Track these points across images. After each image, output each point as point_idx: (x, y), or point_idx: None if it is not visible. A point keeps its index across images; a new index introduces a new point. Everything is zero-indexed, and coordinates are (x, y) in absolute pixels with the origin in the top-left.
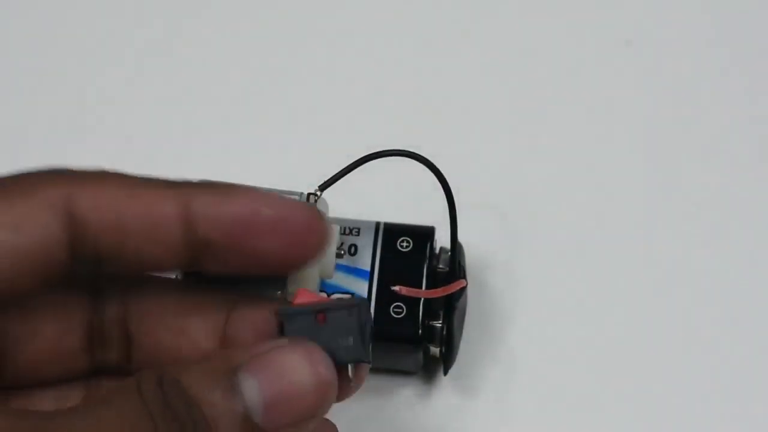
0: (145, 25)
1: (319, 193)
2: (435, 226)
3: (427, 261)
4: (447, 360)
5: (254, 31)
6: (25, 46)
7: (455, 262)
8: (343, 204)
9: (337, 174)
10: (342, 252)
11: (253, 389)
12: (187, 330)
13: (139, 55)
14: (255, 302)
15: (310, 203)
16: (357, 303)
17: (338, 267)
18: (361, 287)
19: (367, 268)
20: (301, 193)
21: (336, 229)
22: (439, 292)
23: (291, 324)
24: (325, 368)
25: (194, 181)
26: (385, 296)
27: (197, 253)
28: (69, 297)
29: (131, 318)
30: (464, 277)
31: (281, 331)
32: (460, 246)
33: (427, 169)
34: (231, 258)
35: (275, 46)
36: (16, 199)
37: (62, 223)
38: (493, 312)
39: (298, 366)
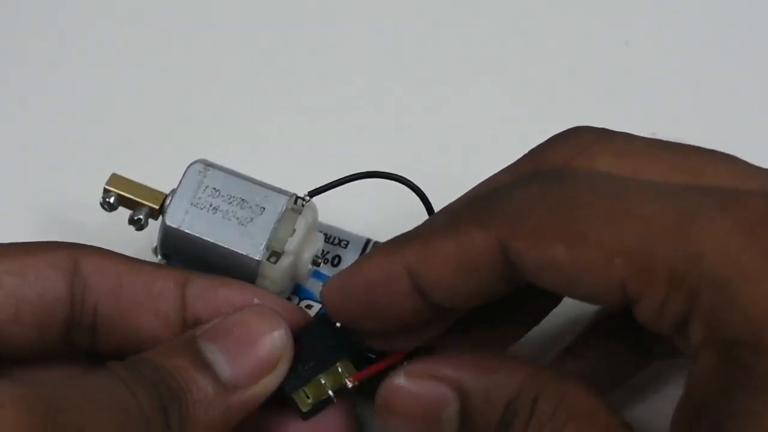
0: (145, 25)
1: (307, 198)
2: None
3: None
4: None
5: (260, 31)
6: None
7: None
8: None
9: (328, 184)
10: (319, 260)
11: (214, 350)
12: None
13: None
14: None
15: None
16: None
17: (317, 275)
18: None
19: None
20: (292, 195)
21: (320, 237)
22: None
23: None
24: (274, 316)
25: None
26: None
27: (186, 329)
28: None
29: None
30: None
31: None
32: None
33: None
34: None
35: (293, 49)
36: (23, 254)
37: (65, 280)
38: None
39: (250, 319)
